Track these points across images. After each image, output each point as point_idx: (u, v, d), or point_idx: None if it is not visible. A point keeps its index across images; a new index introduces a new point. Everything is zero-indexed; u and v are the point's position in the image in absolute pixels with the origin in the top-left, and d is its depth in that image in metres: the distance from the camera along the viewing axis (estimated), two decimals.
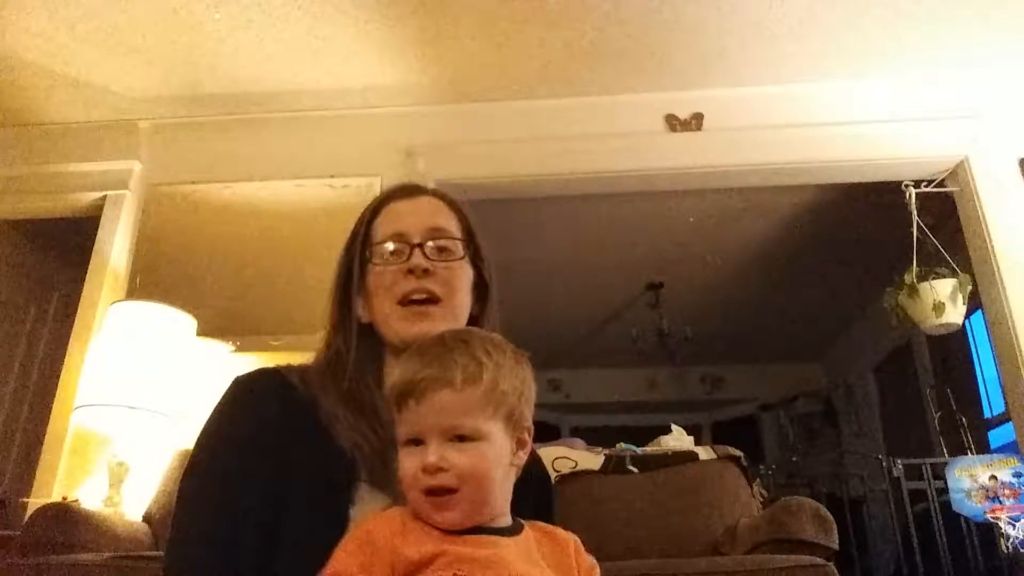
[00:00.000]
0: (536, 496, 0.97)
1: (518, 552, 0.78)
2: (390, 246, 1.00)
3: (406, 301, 0.97)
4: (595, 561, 0.86)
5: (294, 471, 0.86)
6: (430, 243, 1.00)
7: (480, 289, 1.05)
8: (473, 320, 1.02)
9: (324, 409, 0.91)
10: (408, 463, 0.78)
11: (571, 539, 0.86)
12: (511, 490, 0.82)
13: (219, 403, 0.93)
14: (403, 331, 0.96)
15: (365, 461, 0.87)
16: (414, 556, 0.74)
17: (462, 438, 0.77)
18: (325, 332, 1.03)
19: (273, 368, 0.97)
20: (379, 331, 0.99)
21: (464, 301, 1.01)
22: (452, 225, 1.04)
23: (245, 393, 0.94)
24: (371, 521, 0.79)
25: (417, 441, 0.78)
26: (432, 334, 0.90)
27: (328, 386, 0.94)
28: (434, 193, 1.09)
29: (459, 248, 1.02)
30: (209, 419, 0.92)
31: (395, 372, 0.84)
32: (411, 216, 1.03)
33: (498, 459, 0.79)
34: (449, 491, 0.76)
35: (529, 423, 0.84)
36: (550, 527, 0.86)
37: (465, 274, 1.02)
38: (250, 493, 0.85)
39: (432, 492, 0.76)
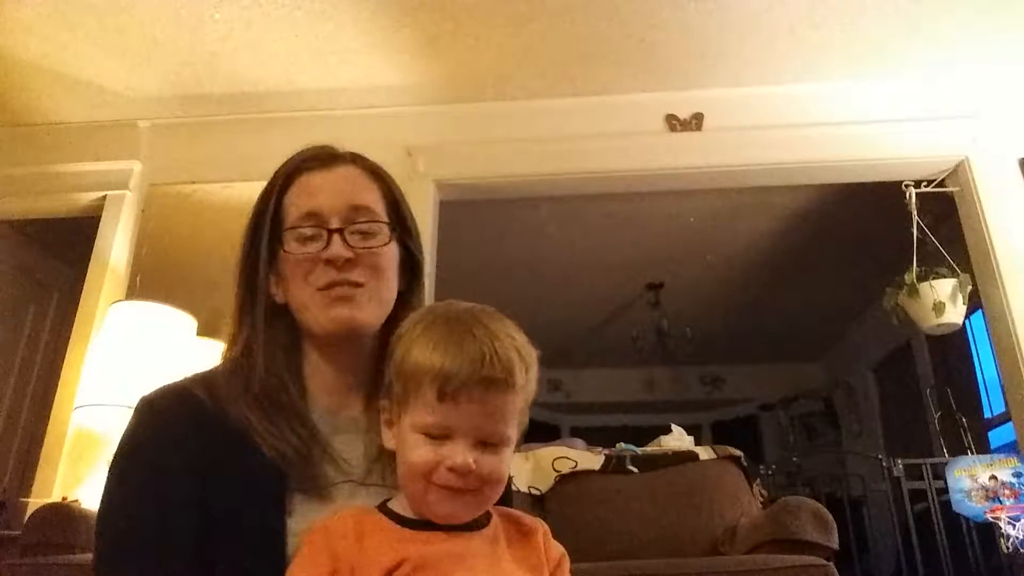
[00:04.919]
0: None
1: (485, 548, 0.75)
2: (305, 231, 0.88)
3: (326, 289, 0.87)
4: (564, 551, 0.82)
5: (219, 489, 0.79)
6: (351, 228, 0.88)
7: (408, 264, 0.95)
8: (400, 297, 0.93)
9: (233, 418, 0.82)
10: (426, 454, 0.73)
11: (539, 526, 0.82)
12: None
13: (127, 428, 0.85)
14: (324, 319, 0.86)
15: (291, 468, 0.80)
16: (386, 563, 0.70)
17: (488, 443, 0.74)
18: (230, 329, 0.92)
19: (178, 384, 0.88)
20: (297, 317, 0.89)
21: (391, 284, 0.91)
22: (375, 199, 0.92)
23: (153, 416, 0.85)
24: (324, 528, 0.74)
25: (442, 436, 0.73)
26: (357, 322, 0.86)
27: (236, 391, 0.85)
28: (353, 160, 0.95)
29: (384, 231, 0.90)
30: (119, 445, 0.84)
31: (430, 354, 0.74)
32: (328, 193, 0.90)
33: (510, 463, 0.77)
34: (468, 490, 0.73)
35: (525, 426, 0.80)
36: (516, 513, 0.82)
37: (392, 256, 0.92)
38: (174, 518, 0.78)
39: (448, 486, 0.73)
